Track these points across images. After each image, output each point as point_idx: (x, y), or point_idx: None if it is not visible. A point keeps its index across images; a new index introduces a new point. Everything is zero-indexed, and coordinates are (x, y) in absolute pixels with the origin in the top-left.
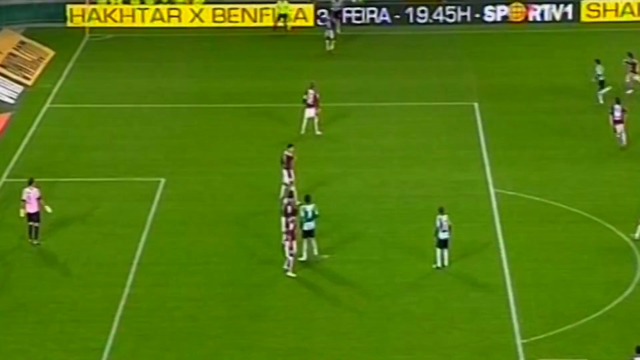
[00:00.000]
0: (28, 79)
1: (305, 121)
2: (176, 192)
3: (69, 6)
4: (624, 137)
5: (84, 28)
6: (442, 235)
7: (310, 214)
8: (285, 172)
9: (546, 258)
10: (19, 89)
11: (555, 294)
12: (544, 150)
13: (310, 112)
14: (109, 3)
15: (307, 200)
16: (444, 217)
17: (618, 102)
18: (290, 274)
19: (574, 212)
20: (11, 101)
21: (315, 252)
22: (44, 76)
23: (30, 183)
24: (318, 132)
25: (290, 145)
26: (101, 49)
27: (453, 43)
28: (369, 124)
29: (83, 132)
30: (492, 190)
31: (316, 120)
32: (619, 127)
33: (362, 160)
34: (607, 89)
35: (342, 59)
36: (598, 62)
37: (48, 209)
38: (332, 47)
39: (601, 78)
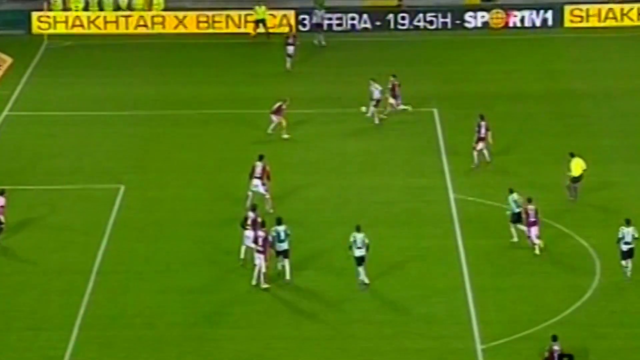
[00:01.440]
0: None
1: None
2: (136, 199)
3: (31, 13)
4: (487, 153)
5: (42, 35)
6: (358, 252)
7: (282, 235)
8: (256, 181)
9: (505, 264)
10: None
11: (514, 299)
12: (503, 155)
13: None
14: (68, 10)
15: (279, 222)
16: (360, 235)
17: (482, 119)
18: (264, 285)
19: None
20: None
21: (288, 277)
22: (1, 83)
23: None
24: (285, 136)
25: (261, 157)
26: (60, 56)
27: (417, 49)
28: (330, 130)
29: (42, 140)
30: (451, 195)
31: (284, 124)
32: (481, 145)
33: (322, 166)
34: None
35: (304, 65)
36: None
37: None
38: (288, 65)
39: (376, 97)
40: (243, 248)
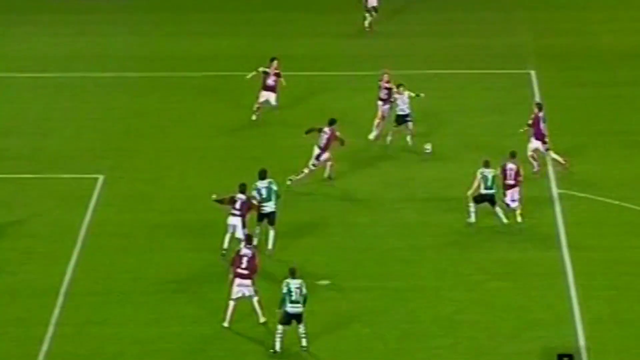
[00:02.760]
0: None
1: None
2: (118, 194)
3: None
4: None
5: None
6: (292, 309)
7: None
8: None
9: (629, 285)
10: None
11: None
12: (626, 135)
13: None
14: None
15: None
16: (296, 282)
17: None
18: (262, 319)
19: None
20: None
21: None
22: None
23: None
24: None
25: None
26: None
27: None
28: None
29: None
30: (554, 190)
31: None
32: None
33: (372, 149)
34: None
35: (349, 12)
36: None
37: None
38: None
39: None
40: (227, 236)
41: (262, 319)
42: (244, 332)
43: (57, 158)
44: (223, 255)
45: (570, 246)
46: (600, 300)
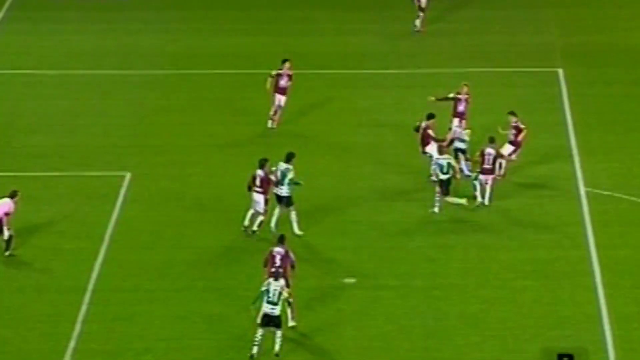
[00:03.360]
0: None
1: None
2: (146, 191)
3: None
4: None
5: None
6: (267, 309)
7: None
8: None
9: None
10: None
11: None
12: None
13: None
14: None
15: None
16: (276, 285)
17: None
18: (291, 322)
19: None
20: None
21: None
22: None
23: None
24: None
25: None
26: None
27: None
28: (410, 97)
29: (16, 108)
30: (582, 189)
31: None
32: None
33: (398, 147)
34: None
35: (373, 10)
36: None
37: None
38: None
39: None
40: (250, 213)
41: (291, 323)
42: None
43: (84, 155)
44: (244, 230)
45: (597, 245)
46: (628, 299)
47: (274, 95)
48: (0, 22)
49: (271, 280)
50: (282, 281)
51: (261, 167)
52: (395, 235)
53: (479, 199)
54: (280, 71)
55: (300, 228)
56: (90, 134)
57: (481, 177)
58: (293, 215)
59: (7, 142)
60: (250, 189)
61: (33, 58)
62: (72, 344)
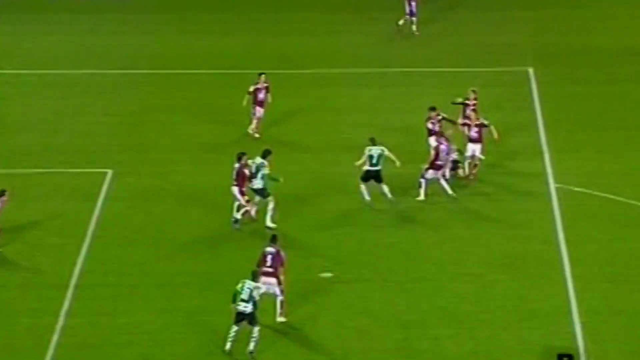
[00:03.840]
0: None
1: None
2: (127, 188)
3: None
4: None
5: None
6: (240, 307)
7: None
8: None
9: (625, 277)
10: None
11: (636, 325)
12: (622, 131)
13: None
14: None
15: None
16: (250, 284)
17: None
18: (280, 318)
19: None
20: None
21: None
22: None
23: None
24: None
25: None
26: None
27: None
28: (392, 96)
29: (3, 107)
30: (552, 185)
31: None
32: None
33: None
34: None
35: (352, 11)
36: None
37: None
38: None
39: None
40: (236, 204)
41: (280, 319)
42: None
43: (67, 153)
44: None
45: (567, 240)
46: (597, 292)
47: (253, 108)
48: None
49: (248, 280)
50: (273, 279)
51: (238, 159)
52: (372, 231)
53: (422, 196)
54: (257, 85)
55: (273, 221)
56: (73, 133)
57: (431, 172)
58: (270, 206)
59: None
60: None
61: (18, 58)
62: (55, 337)
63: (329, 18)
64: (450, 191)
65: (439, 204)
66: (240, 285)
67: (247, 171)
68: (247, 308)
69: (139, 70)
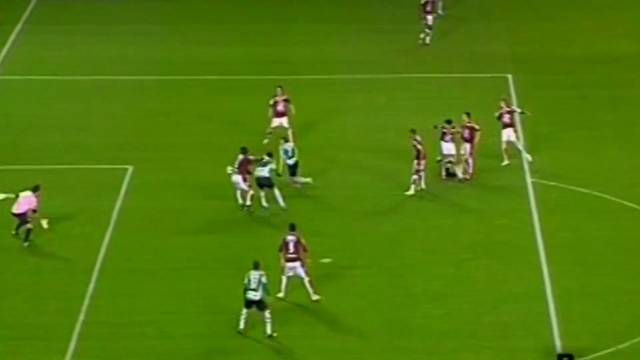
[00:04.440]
0: None
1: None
2: (145, 183)
3: None
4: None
5: None
6: (249, 295)
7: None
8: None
9: (595, 262)
10: None
11: (606, 306)
12: (592, 130)
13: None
14: None
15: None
16: (256, 274)
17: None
18: (314, 297)
19: (628, 206)
20: None
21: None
22: None
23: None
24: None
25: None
26: (55, 9)
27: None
28: (378, 100)
29: (33, 110)
30: (528, 179)
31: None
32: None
33: (368, 145)
34: None
35: (343, 22)
36: None
37: (44, 224)
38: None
39: None
40: (238, 193)
41: (314, 297)
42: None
43: (91, 151)
44: (240, 209)
45: (542, 229)
46: (570, 275)
47: (272, 120)
48: (17, 34)
49: (252, 271)
50: (297, 263)
51: (243, 152)
52: (366, 220)
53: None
54: (276, 98)
55: (284, 203)
56: (97, 133)
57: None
58: (276, 192)
59: (25, 139)
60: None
61: (47, 66)
62: (82, 317)
63: (322, 28)
64: (460, 175)
65: (430, 198)
66: (246, 278)
67: (251, 158)
68: (256, 296)
69: (153, 77)
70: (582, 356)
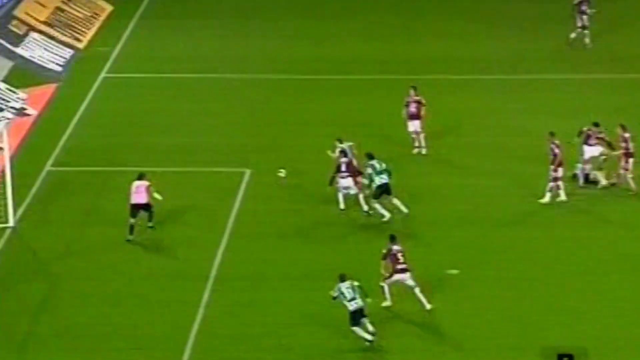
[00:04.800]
0: (79, 40)
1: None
2: (265, 187)
3: None
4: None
5: None
6: (352, 306)
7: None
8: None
9: None
10: (68, 53)
11: None
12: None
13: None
14: None
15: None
16: (345, 285)
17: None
18: (428, 306)
19: None
20: (58, 69)
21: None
22: (99, 37)
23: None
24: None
25: None
26: (171, 3)
27: None
28: (507, 104)
29: (146, 109)
30: None
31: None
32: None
33: (503, 154)
34: None
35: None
36: None
37: (158, 196)
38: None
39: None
40: (340, 196)
41: (428, 306)
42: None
43: (207, 153)
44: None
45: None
46: None
47: (407, 123)
48: (132, 29)
49: (339, 284)
50: (407, 274)
51: (345, 154)
52: (496, 230)
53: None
54: (407, 99)
55: (405, 206)
56: (213, 133)
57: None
58: (395, 201)
59: (138, 140)
60: (333, 179)
61: (162, 63)
62: (195, 327)
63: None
64: (604, 182)
65: (563, 206)
66: (337, 292)
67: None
68: (356, 304)
69: (274, 75)
70: None
